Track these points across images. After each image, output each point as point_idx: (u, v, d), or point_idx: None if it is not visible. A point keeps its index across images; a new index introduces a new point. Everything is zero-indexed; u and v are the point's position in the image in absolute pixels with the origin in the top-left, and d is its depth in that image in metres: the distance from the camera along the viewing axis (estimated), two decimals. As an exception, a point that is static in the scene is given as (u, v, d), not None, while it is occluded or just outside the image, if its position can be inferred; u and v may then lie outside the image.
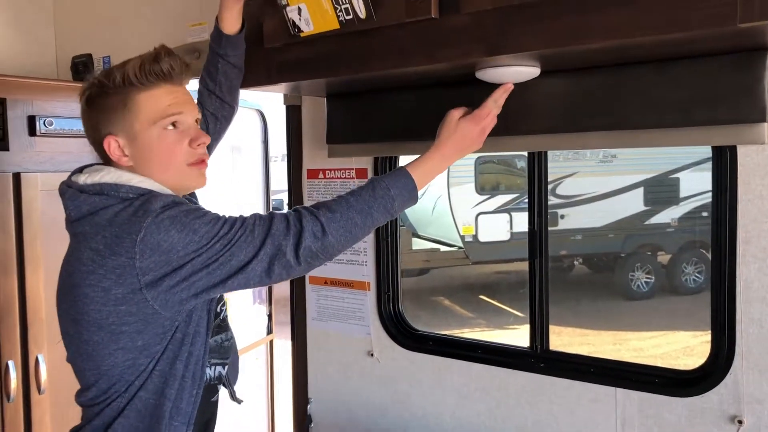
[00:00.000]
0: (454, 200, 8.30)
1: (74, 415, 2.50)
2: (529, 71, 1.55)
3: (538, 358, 1.93)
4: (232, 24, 1.69)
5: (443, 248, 8.81)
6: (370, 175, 2.21)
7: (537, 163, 1.92)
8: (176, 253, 1.27)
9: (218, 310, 1.49)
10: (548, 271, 1.93)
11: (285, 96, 2.34)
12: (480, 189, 8.40)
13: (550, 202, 2.07)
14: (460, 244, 8.54)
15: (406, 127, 1.92)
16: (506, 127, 1.63)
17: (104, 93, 1.38)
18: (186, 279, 1.29)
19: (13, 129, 2.42)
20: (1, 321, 2.35)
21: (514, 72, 1.54)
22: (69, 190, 1.39)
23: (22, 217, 2.41)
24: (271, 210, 1.66)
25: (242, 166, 4.14)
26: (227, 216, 1.34)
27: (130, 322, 1.31)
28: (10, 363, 2.35)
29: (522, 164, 8.39)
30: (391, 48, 1.53)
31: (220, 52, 1.70)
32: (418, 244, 8.87)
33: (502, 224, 8.25)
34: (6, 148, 2.41)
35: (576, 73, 1.64)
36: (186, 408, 1.38)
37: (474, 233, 8.32)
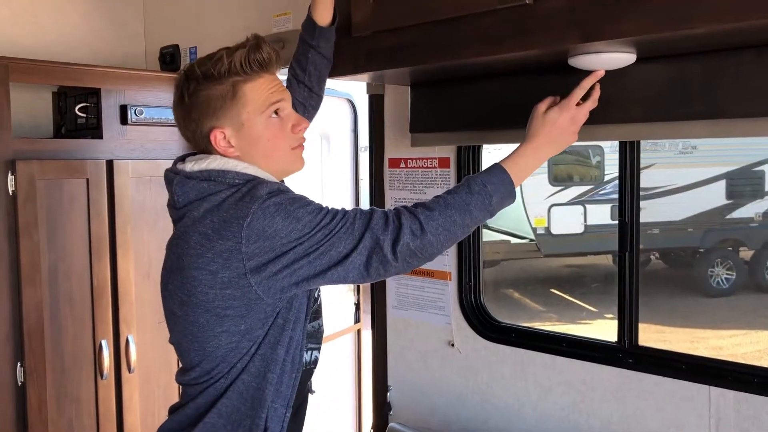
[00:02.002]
0: (526, 191, 8.15)
1: (160, 394, 2.62)
2: (624, 58, 1.50)
3: (626, 353, 1.88)
4: (325, 15, 1.70)
5: (514, 240, 8.68)
6: (452, 164, 2.19)
7: (629, 153, 1.87)
8: (279, 240, 1.30)
9: (316, 296, 1.51)
10: (639, 265, 1.88)
11: (368, 85, 2.35)
12: (553, 180, 8.22)
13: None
14: (532, 237, 8.39)
15: (492, 115, 1.89)
16: (599, 116, 1.57)
17: (208, 85, 1.38)
18: (288, 266, 1.31)
19: (106, 118, 2.52)
20: (96, 302, 2.45)
21: (609, 58, 1.48)
22: (177, 177, 1.41)
23: (114, 203, 2.50)
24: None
25: (332, 155, 4.15)
26: (329, 207, 1.36)
27: (234, 306, 1.34)
28: (104, 342, 2.45)
29: (597, 158, 8.16)
30: (481, 35, 1.50)
31: (312, 43, 1.71)
32: (487, 235, 8.75)
33: (575, 216, 8.06)
34: (100, 136, 2.51)
35: (673, 59, 1.57)
36: (285, 391, 1.40)
37: (546, 225, 8.16)
